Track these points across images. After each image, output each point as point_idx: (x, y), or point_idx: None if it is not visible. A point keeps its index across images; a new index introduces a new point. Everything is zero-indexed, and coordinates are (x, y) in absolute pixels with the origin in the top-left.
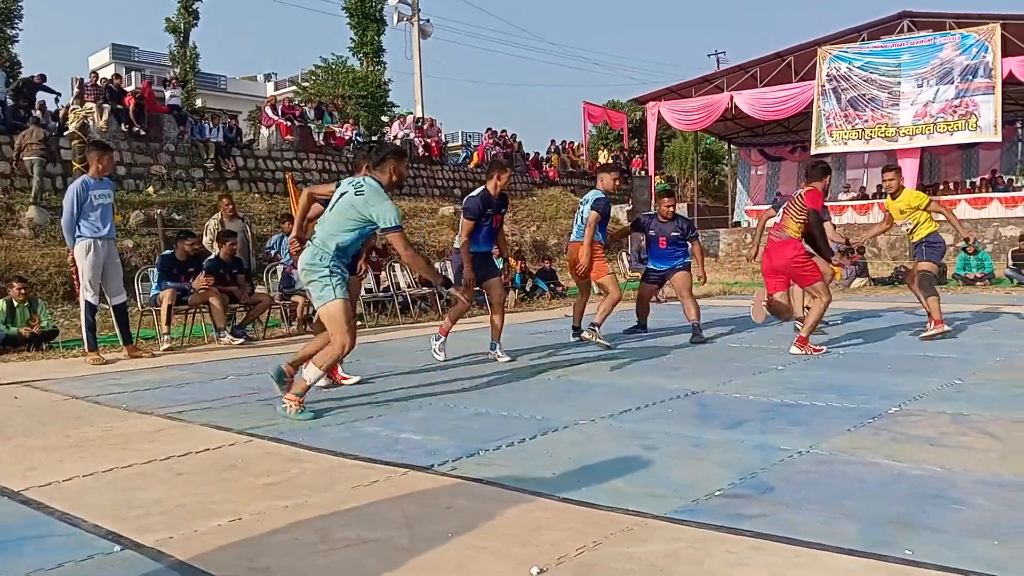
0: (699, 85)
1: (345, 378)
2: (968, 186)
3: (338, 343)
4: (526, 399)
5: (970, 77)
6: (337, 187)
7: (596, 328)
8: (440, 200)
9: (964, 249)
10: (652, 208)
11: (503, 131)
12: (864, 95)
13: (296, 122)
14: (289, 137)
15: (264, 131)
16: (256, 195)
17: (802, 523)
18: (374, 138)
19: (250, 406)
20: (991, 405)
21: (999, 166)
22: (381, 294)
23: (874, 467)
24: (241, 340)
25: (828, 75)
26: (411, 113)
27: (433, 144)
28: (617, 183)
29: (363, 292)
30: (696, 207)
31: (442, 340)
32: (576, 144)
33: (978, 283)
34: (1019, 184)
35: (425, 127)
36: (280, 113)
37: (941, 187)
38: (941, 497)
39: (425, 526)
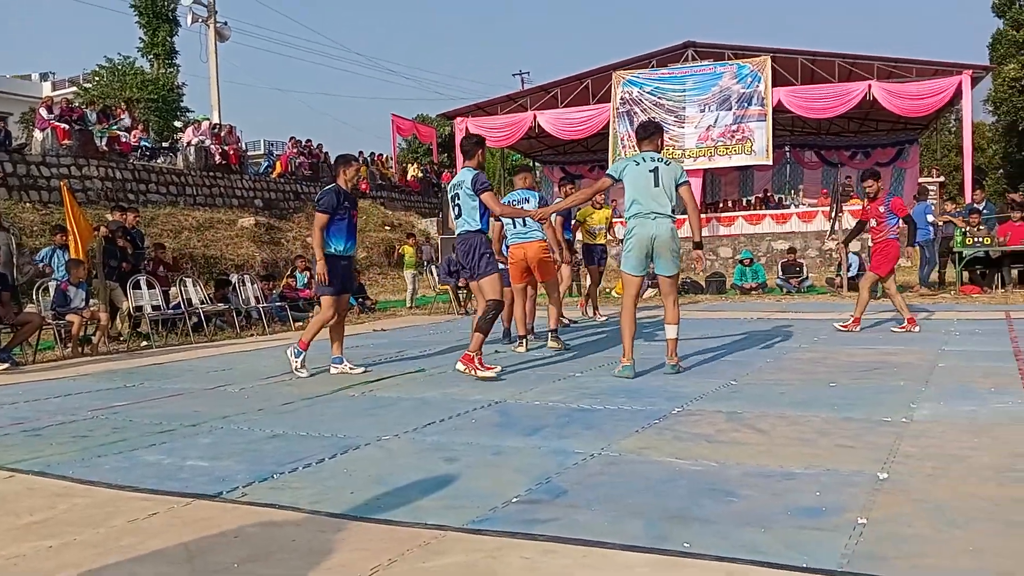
0: (505, 103)
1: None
2: (744, 204)
3: (676, 300)
4: (326, 417)
5: (746, 104)
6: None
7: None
8: (239, 211)
9: (741, 262)
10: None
11: (308, 141)
12: (654, 119)
13: (75, 125)
14: (67, 141)
15: (38, 134)
16: (27, 204)
17: (592, 523)
18: (165, 144)
19: (13, 437)
20: (760, 403)
21: (771, 186)
22: (171, 311)
23: (658, 465)
24: (7, 365)
25: (622, 98)
26: (207, 119)
27: (231, 152)
28: (527, 182)
29: (150, 309)
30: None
31: (303, 355)
32: (385, 157)
33: (753, 292)
34: (788, 202)
35: (223, 134)
36: (57, 115)
37: (721, 205)
38: (716, 490)
39: (209, 558)
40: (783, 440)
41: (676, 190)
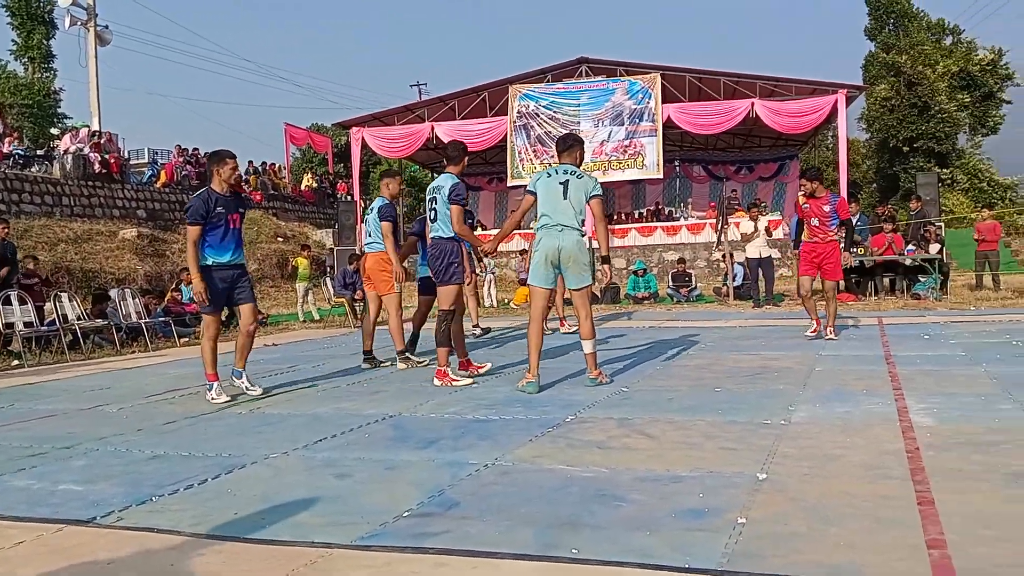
0: (402, 114)
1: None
2: (637, 216)
3: (589, 310)
4: (211, 436)
5: (637, 120)
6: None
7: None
8: (120, 222)
9: (634, 272)
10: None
11: (195, 149)
12: (550, 132)
13: None
14: None
15: None
16: None
17: (484, 534)
18: (40, 152)
19: None
20: (650, 409)
21: (662, 199)
22: (45, 328)
23: (551, 473)
24: None
25: (519, 112)
26: (86, 126)
27: (112, 160)
28: (402, 187)
29: (22, 326)
30: (403, 233)
31: (214, 387)
32: (278, 166)
33: (645, 301)
34: (678, 215)
35: (103, 141)
36: None
37: (615, 217)
38: (606, 496)
39: None
40: (671, 444)
41: (588, 203)
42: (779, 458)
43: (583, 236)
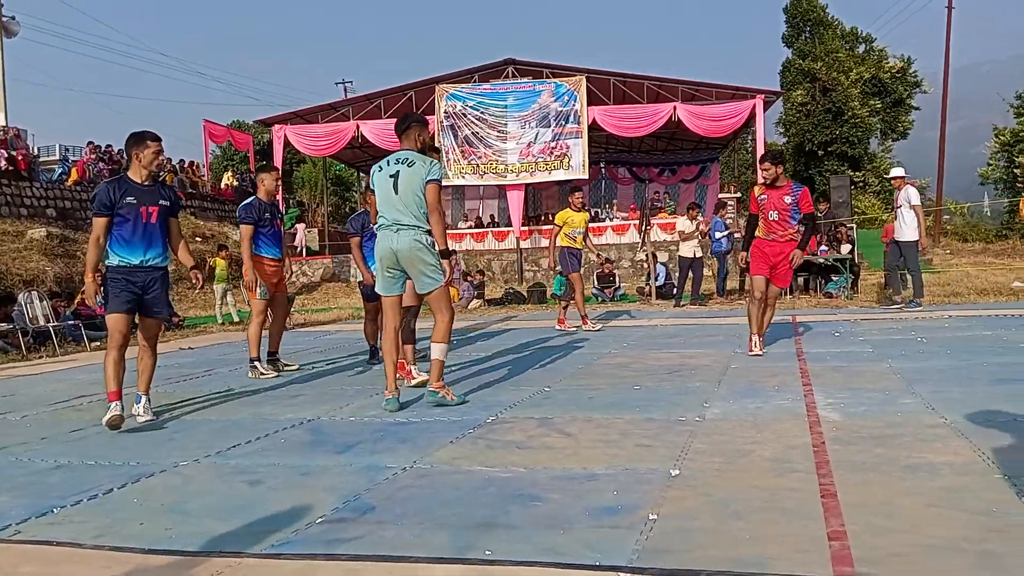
0: (326, 111)
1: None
2: None
3: (450, 314)
4: (120, 444)
5: (563, 122)
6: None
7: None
8: (28, 221)
9: (560, 273)
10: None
11: (108, 146)
12: (477, 133)
13: None
14: None
15: None
16: None
17: (399, 538)
18: None
19: None
20: (570, 407)
21: (587, 200)
22: None
23: (469, 474)
24: None
25: (446, 112)
26: None
27: (20, 157)
28: (279, 184)
29: None
30: (328, 233)
31: (113, 406)
32: (197, 164)
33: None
34: (603, 216)
35: (9, 137)
36: None
37: (542, 218)
38: (523, 496)
39: None
40: (589, 443)
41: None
42: (692, 454)
43: (423, 232)
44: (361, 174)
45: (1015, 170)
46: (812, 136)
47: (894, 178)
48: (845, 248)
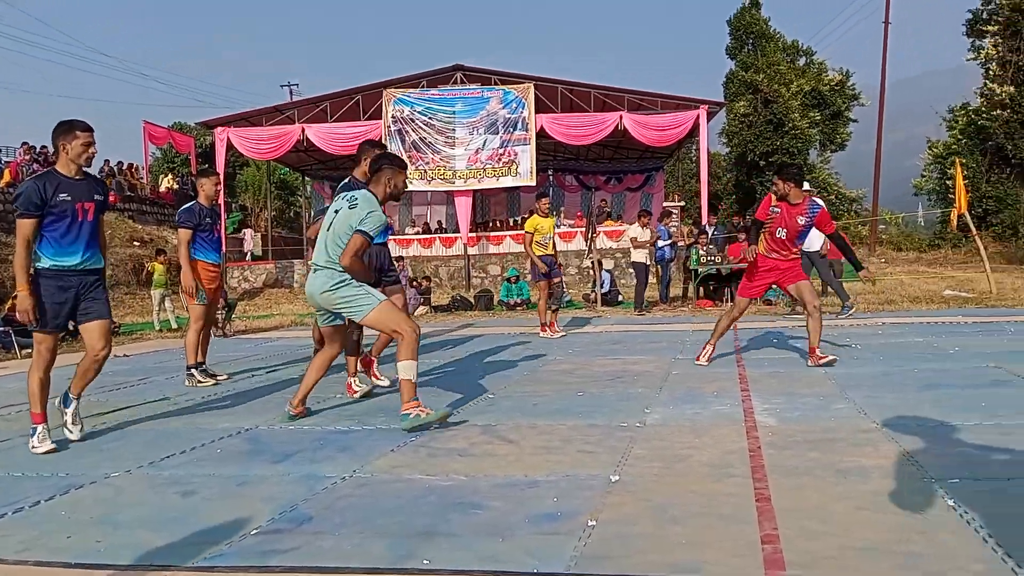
0: (271, 114)
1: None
2: (512, 224)
3: (409, 332)
4: (47, 455)
5: (512, 129)
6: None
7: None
8: None
9: (508, 279)
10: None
11: (43, 147)
12: (425, 139)
13: None
14: None
15: None
16: None
17: (336, 548)
18: None
19: None
20: (514, 414)
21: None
22: None
23: (410, 483)
24: None
25: (393, 117)
26: None
27: None
28: (219, 188)
29: None
30: (271, 237)
31: (38, 431)
32: (136, 166)
33: (518, 308)
34: None
35: None
36: None
37: (491, 224)
38: (464, 503)
39: None
40: (532, 449)
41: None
42: (632, 459)
43: (334, 271)
44: (306, 178)
45: (947, 181)
46: (754, 147)
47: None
48: None
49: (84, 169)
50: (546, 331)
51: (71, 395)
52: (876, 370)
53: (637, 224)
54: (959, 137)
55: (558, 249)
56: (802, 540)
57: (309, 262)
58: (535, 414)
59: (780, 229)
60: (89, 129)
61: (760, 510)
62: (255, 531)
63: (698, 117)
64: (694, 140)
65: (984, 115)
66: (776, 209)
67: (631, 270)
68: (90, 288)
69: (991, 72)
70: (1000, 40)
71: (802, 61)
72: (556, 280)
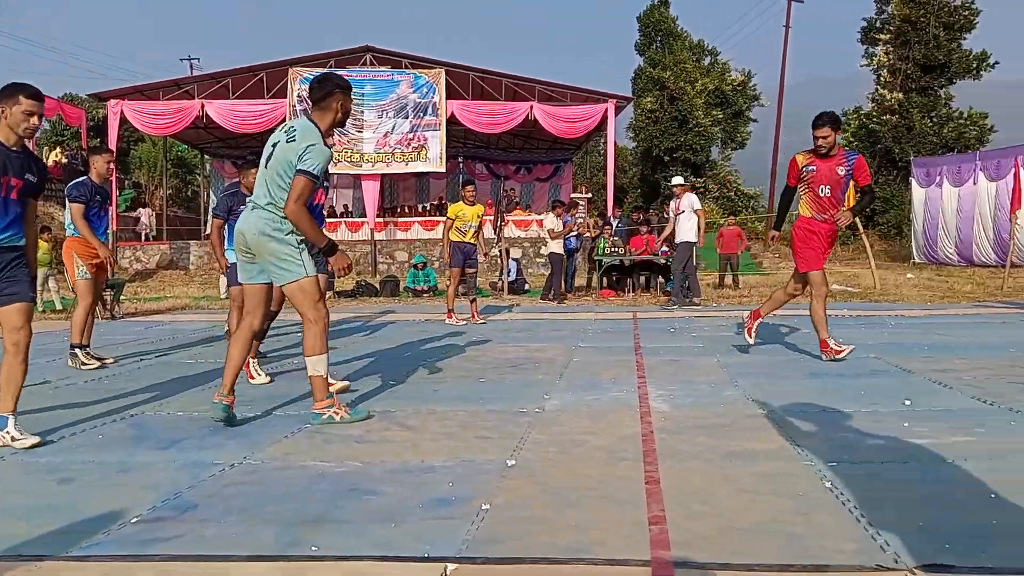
0: (168, 88)
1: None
2: (421, 210)
3: (322, 319)
4: None
5: (422, 114)
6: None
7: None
8: None
9: (415, 266)
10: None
11: None
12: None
13: None
14: None
15: None
16: None
17: (220, 536)
18: None
19: None
20: (414, 400)
21: (445, 194)
22: None
23: (302, 470)
24: None
25: (299, 96)
26: None
27: None
28: (111, 166)
29: None
30: (166, 216)
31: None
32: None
33: (425, 295)
34: None
35: None
36: None
37: (399, 210)
38: (357, 490)
39: None
40: (429, 435)
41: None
42: (530, 444)
43: (276, 216)
44: (205, 156)
45: None
46: (659, 142)
47: (676, 186)
48: None
49: (24, 142)
50: (452, 318)
51: (2, 414)
52: (765, 359)
53: (552, 214)
54: (851, 140)
55: (486, 238)
56: (687, 521)
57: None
58: (435, 400)
59: (823, 187)
60: (37, 97)
61: (649, 492)
62: (135, 519)
63: (606, 111)
64: (602, 133)
65: (875, 119)
66: (811, 167)
67: (539, 260)
68: (10, 267)
69: (882, 79)
70: (891, 48)
71: (707, 61)
72: (471, 270)
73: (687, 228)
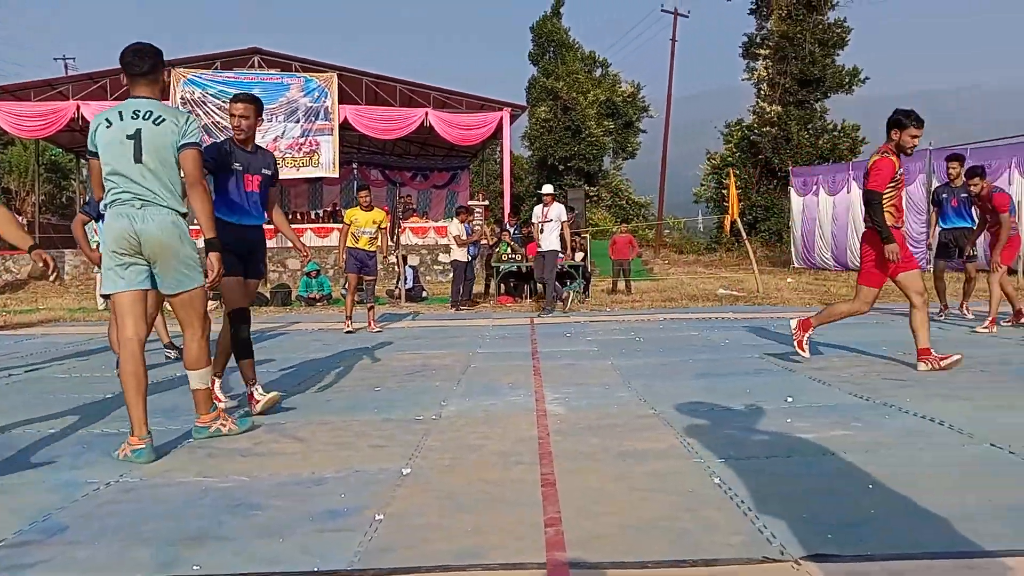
0: (41, 88)
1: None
2: (314, 216)
3: (202, 330)
4: None
5: (313, 118)
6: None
7: None
8: None
9: (307, 274)
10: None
11: None
12: (219, 123)
13: None
14: None
15: None
16: None
17: (93, 559)
18: None
19: None
20: (305, 411)
21: (339, 200)
22: None
23: (183, 486)
24: None
25: (183, 98)
26: None
27: None
28: None
29: None
30: (39, 224)
31: None
32: None
33: (318, 303)
34: None
35: None
36: None
37: (290, 216)
38: (242, 505)
39: None
40: (320, 446)
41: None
42: (425, 451)
43: (177, 215)
44: (81, 160)
45: (723, 191)
46: (554, 151)
47: (547, 195)
48: (579, 256)
49: None
50: (349, 325)
51: None
52: (656, 361)
53: (457, 220)
54: (734, 150)
55: (388, 244)
56: (582, 521)
57: (106, 200)
58: (327, 411)
59: (902, 193)
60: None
61: (545, 495)
62: None
63: (501, 119)
64: (498, 141)
65: (755, 131)
66: (902, 171)
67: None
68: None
69: (762, 92)
70: (770, 63)
71: (598, 72)
72: (370, 278)
73: (554, 238)
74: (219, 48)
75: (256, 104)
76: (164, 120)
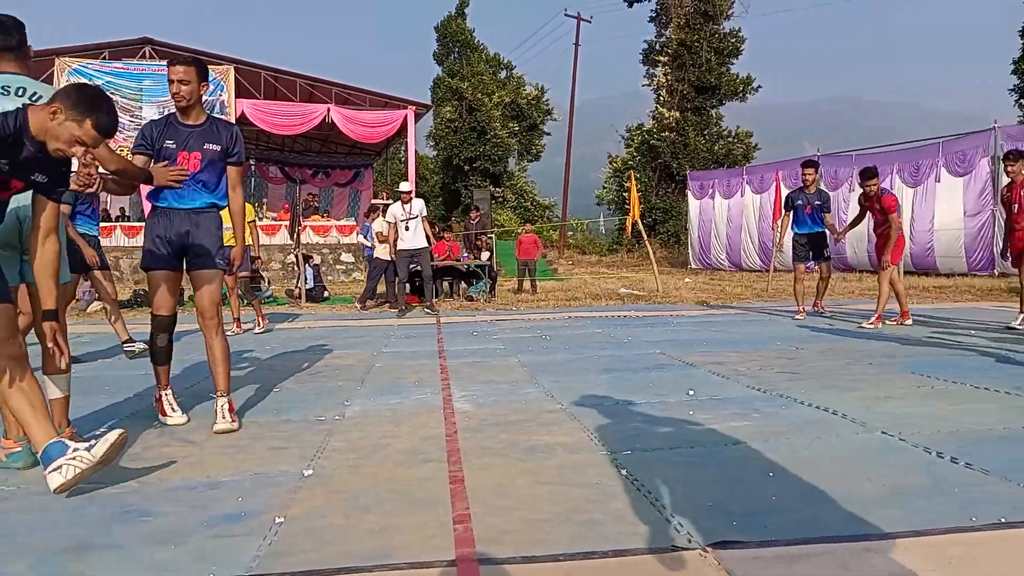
0: None
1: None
2: None
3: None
4: None
5: (209, 112)
6: None
7: None
8: None
9: None
10: None
11: None
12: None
13: None
14: None
15: None
16: None
17: None
18: None
19: None
20: (198, 414)
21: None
22: None
23: (60, 496)
24: None
25: None
26: None
27: None
28: None
29: None
30: None
31: None
32: None
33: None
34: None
35: None
36: None
37: None
38: (131, 512)
39: None
40: (215, 449)
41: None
42: (328, 452)
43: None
44: None
45: (624, 193)
46: (459, 152)
47: (404, 192)
48: (485, 255)
49: None
50: (237, 327)
51: None
52: (562, 358)
53: (380, 218)
54: (634, 154)
55: (261, 243)
56: (491, 516)
57: None
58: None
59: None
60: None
61: (453, 492)
62: None
63: (406, 117)
64: (403, 140)
65: (655, 136)
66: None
67: (339, 267)
68: None
69: (662, 98)
70: (669, 70)
71: (503, 74)
72: (243, 275)
73: (421, 234)
74: (108, 37)
75: (197, 66)
76: (42, 99)
